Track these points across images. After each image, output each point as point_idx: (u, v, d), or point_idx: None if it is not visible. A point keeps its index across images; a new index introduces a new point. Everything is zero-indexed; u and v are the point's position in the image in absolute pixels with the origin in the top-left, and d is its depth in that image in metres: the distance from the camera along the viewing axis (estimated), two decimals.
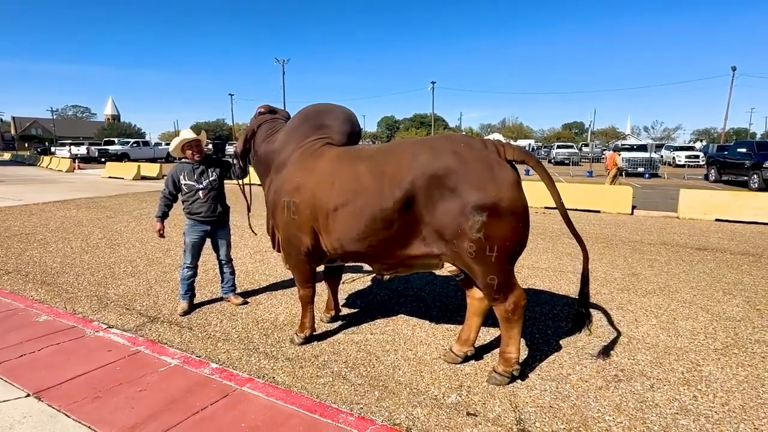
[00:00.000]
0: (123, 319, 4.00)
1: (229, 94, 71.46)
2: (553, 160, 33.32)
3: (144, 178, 19.78)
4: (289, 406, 2.63)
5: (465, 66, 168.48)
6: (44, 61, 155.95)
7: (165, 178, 4.07)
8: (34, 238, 7.30)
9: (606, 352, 3.40)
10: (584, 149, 38.32)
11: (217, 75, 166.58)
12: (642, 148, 25.35)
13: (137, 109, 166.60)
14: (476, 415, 2.64)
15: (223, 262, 4.35)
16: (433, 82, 51.52)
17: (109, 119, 77.36)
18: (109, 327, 3.75)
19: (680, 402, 2.78)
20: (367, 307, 4.35)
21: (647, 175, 21.44)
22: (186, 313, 4.14)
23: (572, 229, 2.90)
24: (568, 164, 31.42)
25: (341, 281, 4.16)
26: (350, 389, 2.90)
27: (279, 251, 3.87)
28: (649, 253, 6.64)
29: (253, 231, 4.63)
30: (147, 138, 50.53)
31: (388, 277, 3.27)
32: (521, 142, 50.64)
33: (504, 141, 2.98)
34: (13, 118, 73.08)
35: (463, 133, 70.86)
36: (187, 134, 4.03)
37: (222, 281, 4.44)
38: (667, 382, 3.01)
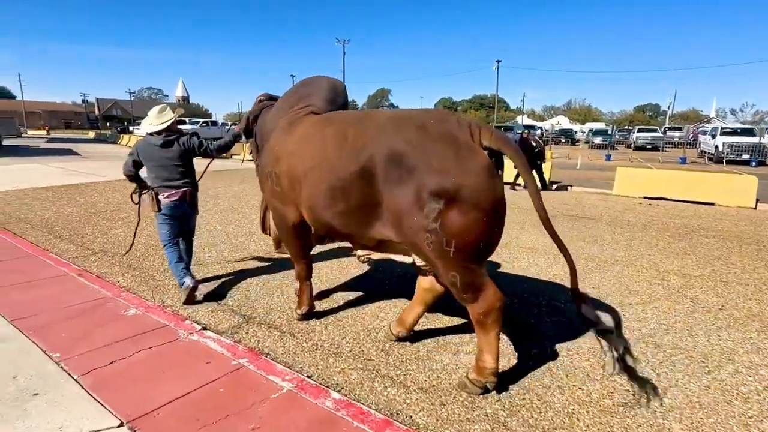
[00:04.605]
0: (215, 318, 3.49)
1: (291, 76, 72.26)
2: (633, 145, 30.41)
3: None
4: None
5: (530, 43, 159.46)
6: (123, 46, 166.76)
7: (192, 139, 3.88)
8: (118, 215, 7.17)
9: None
10: (670, 133, 34.60)
11: (278, 56, 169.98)
12: (747, 131, 22.14)
13: (204, 90, 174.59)
14: None
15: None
16: (498, 61, 48.67)
17: (179, 100, 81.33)
18: (204, 329, 3.23)
19: None
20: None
21: (754, 163, 18.66)
22: (191, 292, 3.72)
23: (553, 234, 2.40)
24: (650, 149, 28.56)
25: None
26: None
27: (267, 233, 3.79)
28: None
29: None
30: (214, 118, 52.38)
31: (364, 258, 3.03)
32: (590, 125, 46.95)
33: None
34: (97, 99, 78.78)
35: (525, 115, 67.25)
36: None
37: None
38: None
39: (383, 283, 4.32)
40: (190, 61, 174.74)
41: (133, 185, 3.95)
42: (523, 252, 5.49)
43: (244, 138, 4.01)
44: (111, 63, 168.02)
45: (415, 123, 2.46)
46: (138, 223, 4.50)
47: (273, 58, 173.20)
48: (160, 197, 3.72)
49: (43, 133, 47.66)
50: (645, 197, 10.16)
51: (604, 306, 3.75)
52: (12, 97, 73.91)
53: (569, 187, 11.40)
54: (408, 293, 3.55)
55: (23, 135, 38.96)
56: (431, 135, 2.37)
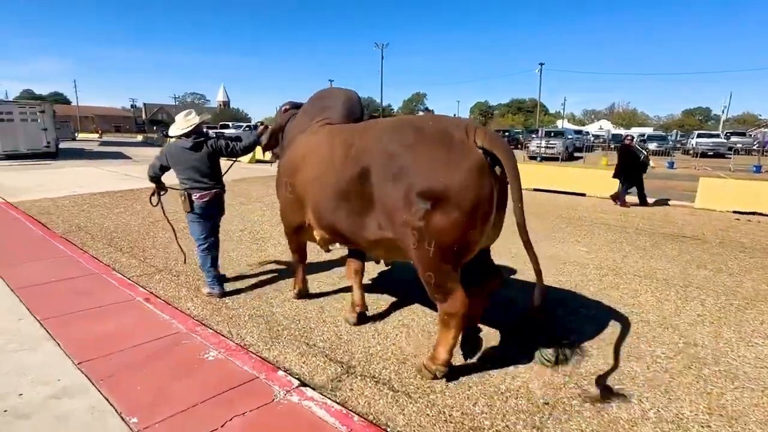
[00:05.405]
0: (308, 364, 2.91)
1: (329, 80, 72.75)
2: (692, 151, 28.35)
3: (258, 161, 19.96)
4: None
5: (569, 46, 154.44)
6: (168, 52, 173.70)
7: (219, 141, 3.96)
8: (176, 226, 6.77)
9: None
10: (733, 138, 31.96)
11: (316, 60, 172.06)
12: None
13: (244, 95, 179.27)
14: None
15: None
16: (541, 64, 46.87)
17: (221, 105, 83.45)
18: (302, 384, 2.64)
19: None
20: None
21: None
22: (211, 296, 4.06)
23: (525, 241, 2.50)
24: (711, 156, 26.52)
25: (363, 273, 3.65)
26: None
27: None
28: None
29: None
30: (254, 122, 53.22)
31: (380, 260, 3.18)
32: (636, 130, 44.28)
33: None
34: (144, 104, 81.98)
35: (565, 120, 64.44)
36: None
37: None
38: None
39: (504, 315, 3.62)
40: (231, 66, 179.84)
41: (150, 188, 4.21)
42: (633, 281, 4.66)
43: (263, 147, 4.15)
44: (158, 69, 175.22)
45: (413, 126, 2.59)
46: (174, 230, 4.67)
47: (311, 62, 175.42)
48: (192, 197, 3.80)
49: (95, 136, 49.76)
50: (735, 212, 9.01)
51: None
52: (68, 102, 77.99)
53: (669, 202, 10.09)
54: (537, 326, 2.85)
55: (76, 138, 40.69)
56: (427, 135, 2.49)
